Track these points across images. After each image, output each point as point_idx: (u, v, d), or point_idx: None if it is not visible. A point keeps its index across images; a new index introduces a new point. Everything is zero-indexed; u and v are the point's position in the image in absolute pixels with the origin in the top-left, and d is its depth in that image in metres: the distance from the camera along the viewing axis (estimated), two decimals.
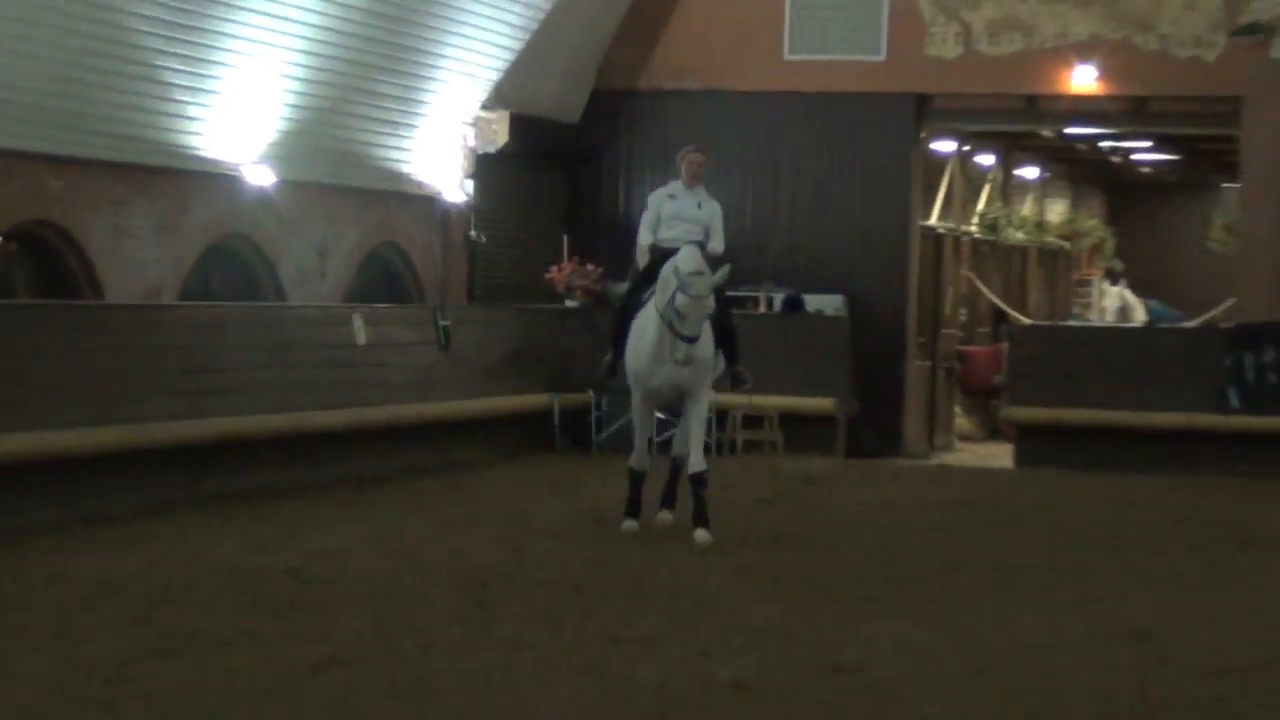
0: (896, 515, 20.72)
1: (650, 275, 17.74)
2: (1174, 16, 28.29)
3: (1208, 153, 33.42)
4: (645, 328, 17.47)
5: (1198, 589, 15.85)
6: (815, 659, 12.19)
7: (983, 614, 14.33)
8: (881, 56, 29.21)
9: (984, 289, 33.06)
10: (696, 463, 17.55)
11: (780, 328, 27.92)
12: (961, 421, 32.32)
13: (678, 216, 17.87)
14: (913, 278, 29.61)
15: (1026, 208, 36.94)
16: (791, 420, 26.89)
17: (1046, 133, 32.52)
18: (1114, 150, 37.21)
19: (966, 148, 32.99)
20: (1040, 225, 36.96)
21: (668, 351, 17.17)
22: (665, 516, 18.49)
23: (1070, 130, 32.25)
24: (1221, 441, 25.44)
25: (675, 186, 18.26)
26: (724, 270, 17.09)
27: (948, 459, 29.60)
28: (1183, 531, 19.84)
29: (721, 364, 18.06)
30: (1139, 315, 33.25)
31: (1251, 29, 27.53)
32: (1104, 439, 25.67)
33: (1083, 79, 28.56)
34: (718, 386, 19.19)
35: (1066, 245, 38.37)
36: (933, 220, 31.33)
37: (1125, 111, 29.56)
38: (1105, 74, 28.51)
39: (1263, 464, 24.87)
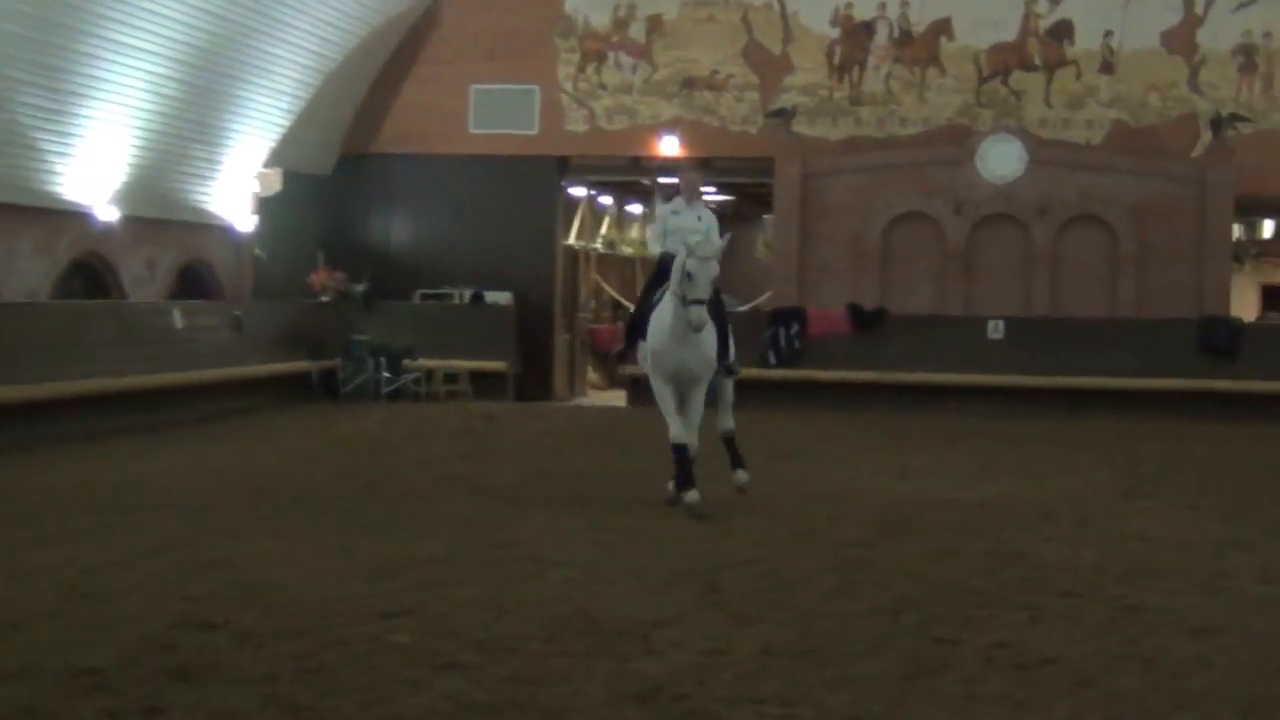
0: (549, 439, 20.60)
1: (660, 278, 14.50)
2: (729, 105, 28.66)
3: (754, 194, 33.55)
4: (664, 315, 14.04)
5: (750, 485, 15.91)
6: (491, 540, 12.04)
7: (606, 503, 14.31)
8: (535, 131, 29.15)
9: (606, 287, 33.08)
10: (726, 428, 14.90)
11: (469, 313, 27.83)
12: (593, 376, 32.30)
13: (680, 229, 14.37)
14: (558, 279, 29.63)
15: (634, 231, 36.95)
16: (478, 376, 26.79)
17: (645, 181, 32.55)
18: None
19: (593, 192, 32.92)
20: (644, 243, 36.95)
21: (683, 332, 13.76)
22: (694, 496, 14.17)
23: (661, 179, 32.31)
24: (765, 386, 25.59)
25: (678, 203, 14.74)
26: (726, 238, 14.08)
27: (583, 402, 29.58)
28: (741, 447, 19.85)
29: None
30: None
31: (778, 113, 27.92)
32: None
33: (669, 146, 28.75)
34: None
35: None
36: (571, 240, 31.21)
37: (698, 167, 29.61)
38: (684, 142, 28.77)
39: (790, 400, 25.13)
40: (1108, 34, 28.01)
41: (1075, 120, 28.14)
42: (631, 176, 31.11)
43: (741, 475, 14.72)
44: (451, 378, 26.76)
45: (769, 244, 29.50)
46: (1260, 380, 24.80)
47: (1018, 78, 28.22)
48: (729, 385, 14.98)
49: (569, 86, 29.10)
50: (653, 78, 28.94)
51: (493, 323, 27.68)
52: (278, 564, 10.78)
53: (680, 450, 14.05)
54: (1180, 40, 27.97)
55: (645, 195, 36.53)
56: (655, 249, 14.74)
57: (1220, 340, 25.05)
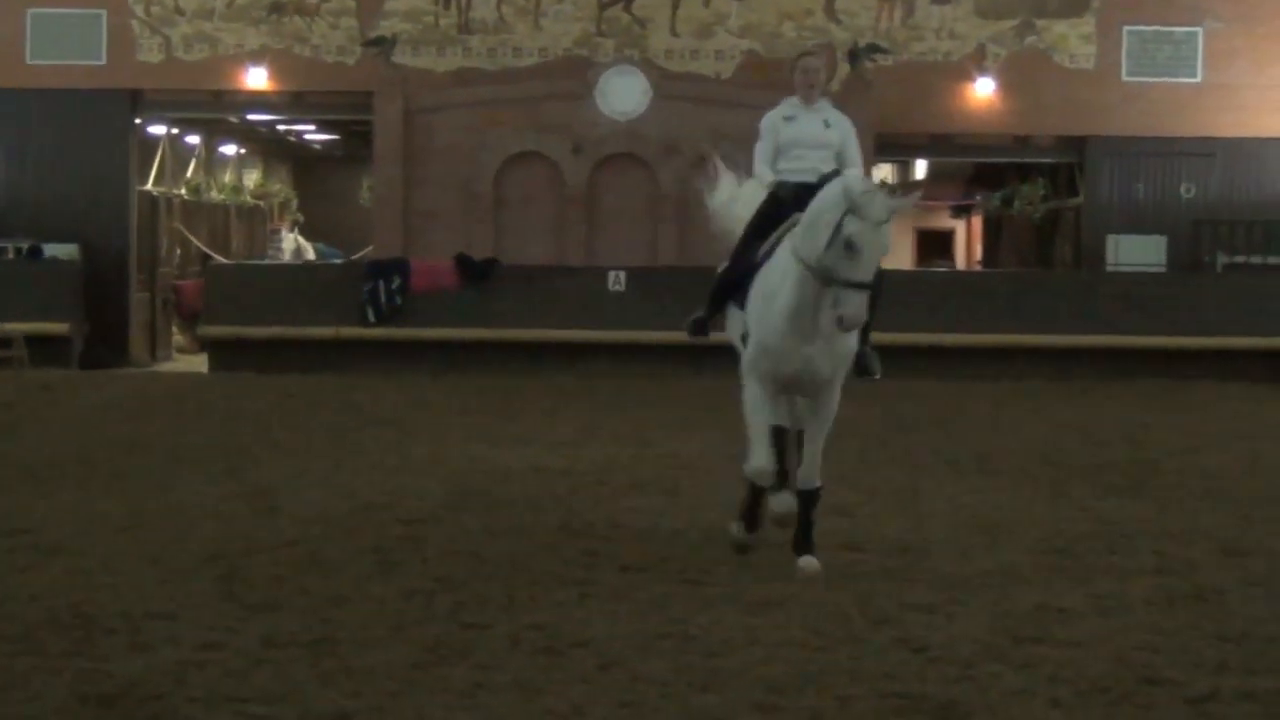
0: (110, 411, 20.19)
1: (769, 221, 10.98)
2: (323, 33, 28.42)
3: (359, 133, 33.38)
4: (778, 286, 10.38)
5: (320, 456, 15.86)
6: None
7: (153, 481, 14.11)
8: (103, 62, 28.48)
9: (191, 237, 32.50)
10: (814, 479, 10.69)
11: (26, 270, 27.09)
12: (179, 338, 31.80)
13: (799, 142, 11.00)
14: (133, 230, 29.02)
15: (228, 175, 36.42)
16: (37, 341, 26.10)
17: (233, 119, 32.12)
18: (289, 131, 37.09)
19: (175, 130, 32.30)
20: (237, 189, 36.47)
21: (813, 320, 10.15)
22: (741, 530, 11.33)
23: (251, 116, 31.85)
24: (363, 346, 25.55)
25: (791, 104, 11.21)
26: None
27: (165, 368, 29.09)
28: (324, 413, 19.81)
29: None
30: (310, 255, 33.24)
31: (377, 42, 27.79)
32: (275, 347, 25.46)
33: (256, 79, 28.37)
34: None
35: (261, 203, 37.96)
36: (149, 186, 30.61)
37: (290, 102, 29.49)
38: (273, 74, 28.39)
39: (392, 362, 25.06)
40: None
41: (705, 50, 28.61)
42: (214, 113, 30.58)
43: (809, 563, 10.55)
44: (4, 343, 26.04)
45: (372, 188, 29.35)
46: (897, 332, 25.51)
47: (642, 4, 28.53)
48: (827, 413, 10.75)
49: (140, 11, 28.43)
50: (236, 2, 28.50)
51: (55, 280, 26.99)
52: None
53: (758, 492, 11.03)
54: None
55: (239, 135, 36.12)
56: (762, 175, 11.28)
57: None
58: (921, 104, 28.45)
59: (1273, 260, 27.68)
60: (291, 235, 34.09)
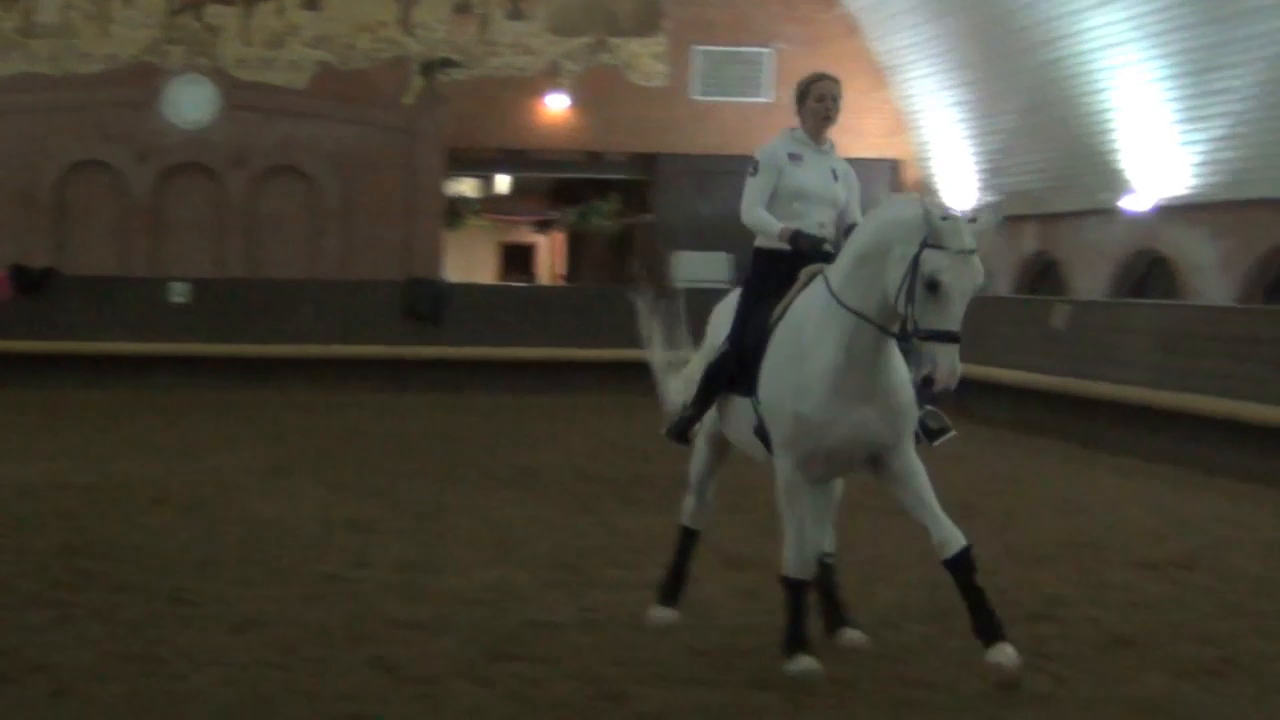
0: None
1: (774, 278, 8.94)
2: None
3: None
4: (811, 344, 8.42)
5: None
6: None
7: None
8: None
9: None
10: (954, 539, 8.27)
11: None
12: None
13: (804, 193, 8.95)
14: None
15: None
16: None
17: None
18: None
19: None
20: None
21: (869, 378, 8.30)
22: (854, 636, 9.15)
23: None
24: None
25: (797, 138, 9.06)
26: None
27: None
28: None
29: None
30: None
31: None
32: None
33: None
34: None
35: None
36: None
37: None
38: None
39: None
40: None
41: (278, 61, 28.31)
42: None
43: (1009, 655, 8.24)
44: None
45: None
46: (465, 346, 25.55)
47: (213, 12, 28.13)
48: (919, 474, 8.55)
49: None
50: None
51: None
52: None
53: (799, 590, 8.66)
54: None
55: None
56: (766, 223, 8.99)
57: (424, 304, 25.69)
58: (496, 119, 28.59)
59: None
60: None
